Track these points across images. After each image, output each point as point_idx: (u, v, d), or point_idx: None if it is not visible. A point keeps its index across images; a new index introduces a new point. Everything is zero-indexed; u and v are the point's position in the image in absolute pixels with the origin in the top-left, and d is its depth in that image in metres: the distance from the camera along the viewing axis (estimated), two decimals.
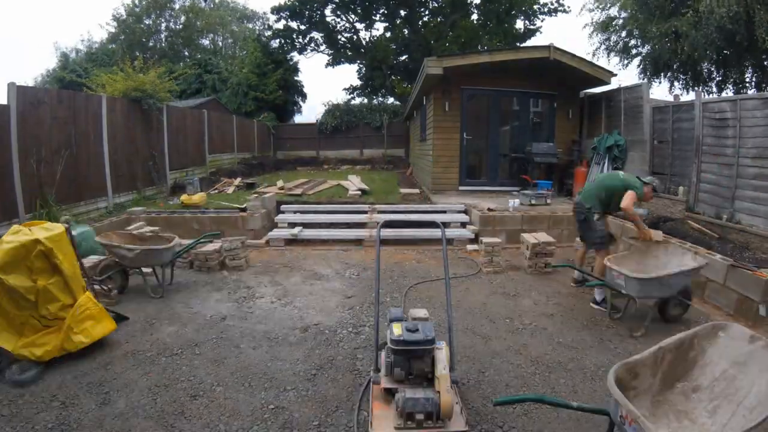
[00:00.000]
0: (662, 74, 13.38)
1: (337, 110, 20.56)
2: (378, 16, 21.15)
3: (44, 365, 3.09)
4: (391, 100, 21.96)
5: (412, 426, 2.14)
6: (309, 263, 5.91)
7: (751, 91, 11.64)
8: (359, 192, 9.48)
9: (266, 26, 25.78)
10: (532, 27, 21.21)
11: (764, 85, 11.63)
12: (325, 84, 43.64)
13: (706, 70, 12.71)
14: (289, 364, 3.24)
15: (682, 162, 6.90)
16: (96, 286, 4.28)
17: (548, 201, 7.95)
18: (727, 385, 2.06)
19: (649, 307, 3.87)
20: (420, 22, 20.78)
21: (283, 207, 8.07)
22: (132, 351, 3.41)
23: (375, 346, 2.73)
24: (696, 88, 12.52)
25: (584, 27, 26.58)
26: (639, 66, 13.64)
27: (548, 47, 8.38)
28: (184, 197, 8.59)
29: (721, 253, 4.76)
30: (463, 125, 9.51)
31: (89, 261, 4.58)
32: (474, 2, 20.70)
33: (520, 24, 21.18)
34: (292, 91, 24.31)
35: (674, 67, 12.82)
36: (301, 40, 21.88)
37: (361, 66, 22.14)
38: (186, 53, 31.79)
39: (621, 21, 13.16)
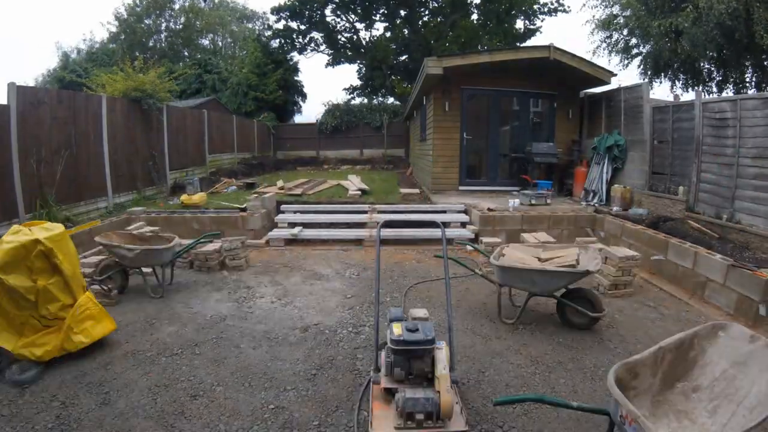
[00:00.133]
0: (663, 74, 13.36)
1: (337, 110, 20.56)
2: (378, 16, 21.15)
3: (44, 365, 3.09)
4: (391, 100, 21.96)
5: (412, 426, 2.14)
6: (309, 263, 5.91)
7: (751, 91, 11.63)
8: (359, 192, 9.48)
9: (266, 26, 25.79)
10: (532, 27, 21.21)
11: (764, 85, 11.61)
12: (325, 84, 43.61)
13: (706, 70, 12.69)
14: (289, 364, 3.24)
15: (682, 162, 6.89)
16: (96, 286, 4.29)
17: (548, 201, 7.95)
18: (727, 384, 2.06)
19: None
20: (420, 22, 20.78)
21: (283, 207, 8.07)
22: (132, 351, 3.42)
23: (375, 346, 2.73)
24: (696, 88, 12.51)
25: (585, 23, 26.56)
26: (639, 66, 13.64)
27: (548, 47, 8.38)
28: (184, 197, 8.59)
29: (721, 253, 4.76)
30: (463, 125, 9.51)
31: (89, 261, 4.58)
32: (474, 2, 20.70)
33: (520, 24, 21.20)
34: (292, 91, 24.31)
35: (675, 66, 12.81)
36: (301, 40, 21.89)
37: (361, 66, 22.14)
38: (186, 53, 31.80)
39: (622, 19, 13.15)
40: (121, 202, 8.28)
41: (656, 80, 13.61)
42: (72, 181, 7.01)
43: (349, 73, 51.18)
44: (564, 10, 20.67)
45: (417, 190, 10.01)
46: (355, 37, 21.98)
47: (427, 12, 21.33)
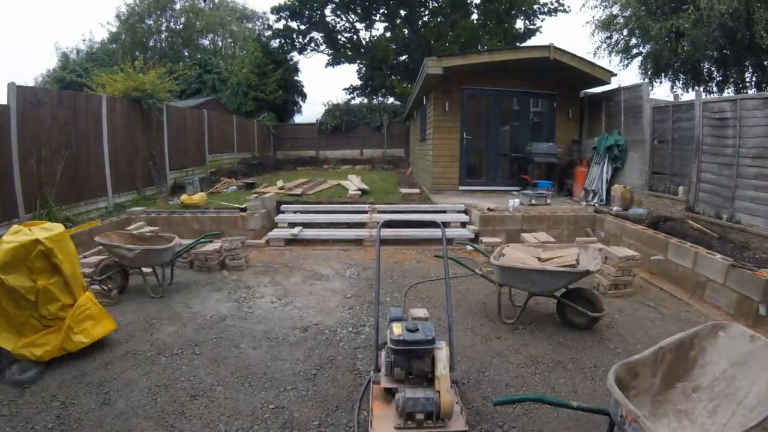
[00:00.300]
0: (663, 74, 13.36)
1: (337, 110, 20.56)
2: (378, 16, 21.15)
3: (44, 365, 3.09)
4: (391, 100, 21.97)
5: (412, 426, 2.14)
6: (309, 263, 5.91)
7: (752, 91, 11.63)
8: (359, 192, 9.48)
9: (266, 26, 25.83)
10: (532, 27, 21.22)
11: (764, 85, 11.62)
12: (325, 84, 43.72)
13: (706, 70, 12.69)
14: (289, 364, 3.24)
15: (682, 162, 6.89)
16: (95, 286, 4.29)
17: (548, 201, 7.95)
18: (727, 384, 2.06)
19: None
20: (420, 22, 20.78)
21: (283, 207, 8.07)
22: (132, 351, 3.42)
23: (375, 346, 2.73)
24: (696, 88, 12.51)
25: (585, 24, 26.57)
26: (640, 66, 13.64)
27: (548, 47, 8.38)
28: (184, 197, 8.60)
29: (721, 253, 4.76)
30: (463, 125, 9.51)
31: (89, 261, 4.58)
32: (474, 2, 20.71)
33: (520, 24, 21.22)
34: (292, 91, 24.31)
35: (675, 66, 12.81)
36: (301, 40, 21.90)
37: (361, 66, 22.14)
38: (186, 53, 31.79)
39: (622, 19, 13.15)
40: (121, 202, 8.28)
41: (656, 80, 13.62)
42: (72, 181, 7.01)
43: (349, 73, 51.28)
44: (564, 10, 20.69)
45: (417, 190, 10.01)
46: (355, 37, 22.00)
47: (427, 12, 21.34)
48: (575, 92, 10.00)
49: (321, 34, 21.77)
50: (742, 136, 5.72)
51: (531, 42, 20.80)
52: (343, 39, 21.98)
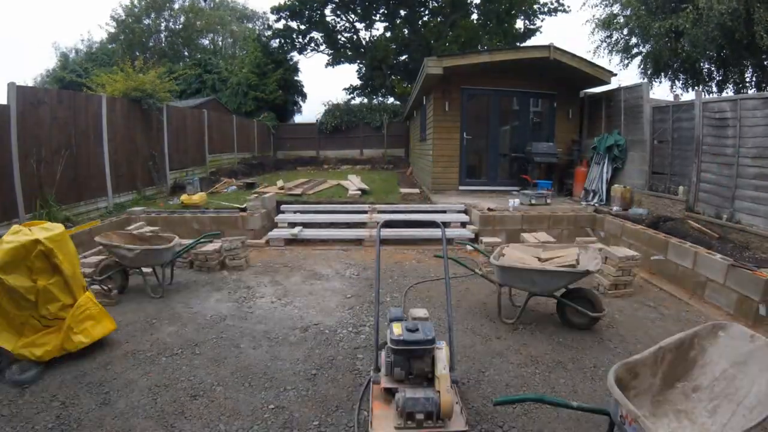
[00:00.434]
0: (663, 74, 13.36)
1: (337, 110, 20.55)
2: (378, 16, 21.16)
3: (44, 365, 3.09)
4: (391, 100, 21.97)
5: (412, 426, 2.14)
6: (309, 263, 5.91)
7: (751, 91, 11.63)
8: (359, 192, 9.48)
9: (266, 26, 25.83)
10: (532, 27, 21.24)
11: (764, 85, 11.61)
12: (325, 84, 43.58)
13: (706, 70, 12.69)
14: (289, 364, 3.24)
15: (682, 162, 6.89)
16: (96, 286, 4.29)
17: (548, 201, 7.95)
18: (727, 384, 2.07)
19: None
20: (420, 22, 20.79)
21: (283, 207, 8.07)
22: (132, 351, 3.42)
23: (375, 346, 2.73)
24: (696, 88, 12.51)
25: (585, 23, 26.52)
26: (639, 65, 13.64)
27: (548, 47, 8.37)
28: (184, 197, 8.60)
29: (721, 253, 4.76)
30: (463, 125, 9.51)
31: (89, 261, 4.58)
32: (474, 2, 20.72)
33: (520, 24, 21.24)
34: (292, 91, 24.30)
35: (675, 66, 12.81)
36: (301, 40, 21.91)
37: (361, 66, 22.15)
38: (186, 53, 31.79)
39: (622, 19, 13.15)
40: (121, 202, 8.28)
41: (656, 80, 13.62)
42: (72, 181, 7.01)
43: (349, 73, 51.22)
44: (564, 10, 20.71)
45: (417, 190, 10.01)
46: (355, 37, 22.01)
47: (427, 12, 21.34)
48: (575, 92, 10.00)
49: (321, 34, 21.78)
50: (742, 136, 5.72)
51: (531, 42, 20.85)
52: (343, 39, 21.99)
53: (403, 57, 21.25)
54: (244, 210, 7.47)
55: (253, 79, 21.82)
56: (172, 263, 4.88)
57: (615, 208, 7.42)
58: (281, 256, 6.33)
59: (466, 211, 7.78)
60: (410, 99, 13.75)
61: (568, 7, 23.34)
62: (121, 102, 8.68)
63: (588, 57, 9.55)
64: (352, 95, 22.57)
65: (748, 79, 12.14)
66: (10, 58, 50.52)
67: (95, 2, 49.82)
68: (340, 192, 9.78)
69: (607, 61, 28.04)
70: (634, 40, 13.40)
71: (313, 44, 22.21)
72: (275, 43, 22.44)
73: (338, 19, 21.54)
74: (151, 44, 30.06)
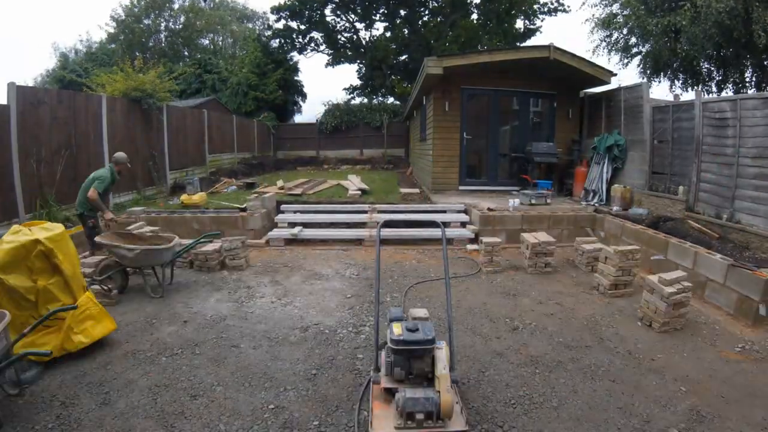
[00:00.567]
0: (662, 74, 13.35)
1: (337, 110, 20.54)
2: (378, 15, 21.16)
3: (44, 365, 3.09)
4: (391, 99, 21.96)
5: (412, 425, 2.14)
6: (309, 263, 5.91)
7: (751, 91, 11.62)
8: (359, 192, 9.48)
9: (266, 26, 25.81)
10: (532, 27, 21.24)
11: (764, 85, 11.60)
12: (325, 84, 43.61)
13: (705, 70, 12.68)
14: (289, 364, 3.24)
15: (682, 162, 6.89)
16: (96, 286, 4.29)
17: (548, 201, 7.95)
18: None
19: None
20: (420, 22, 20.79)
21: (283, 207, 8.07)
22: (132, 351, 3.42)
23: (375, 346, 2.73)
24: (696, 88, 12.50)
25: (585, 22, 26.55)
26: (639, 65, 13.63)
27: (548, 47, 8.37)
28: (184, 197, 8.60)
29: (721, 253, 4.76)
30: (463, 125, 9.50)
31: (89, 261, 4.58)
32: (474, 2, 20.71)
33: (520, 24, 21.23)
34: (292, 91, 24.30)
35: (674, 66, 12.80)
36: (301, 39, 21.90)
37: (361, 66, 22.14)
38: (186, 53, 31.79)
39: (621, 18, 13.14)
40: (121, 202, 8.28)
41: (656, 80, 13.61)
42: (72, 181, 7.00)
43: (349, 73, 51.26)
44: (564, 10, 20.71)
45: (417, 190, 10.01)
46: (355, 37, 22.00)
47: (427, 12, 21.34)
48: (575, 92, 10.00)
49: (321, 34, 21.78)
50: (742, 136, 5.72)
51: (531, 42, 20.85)
52: (343, 39, 21.99)
53: (403, 57, 21.25)
54: (244, 210, 7.47)
55: (253, 79, 21.82)
56: (172, 263, 4.88)
57: (615, 208, 7.42)
58: (281, 256, 6.33)
59: (466, 211, 7.78)
60: (410, 99, 13.74)
61: (568, 6, 23.39)
62: (121, 102, 8.68)
63: (587, 56, 9.58)
64: (352, 95, 22.58)
65: (747, 79, 12.14)
66: (10, 58, 50.50)
67: (95, 2, 49.79)
68: (340, 192, 9.78)
69: (606, 60, 28.08)
70: (633, 40, 13.39)
71: (313, 44, 22.22)
72: (275, 43, 22.43)
73: (338, 19, 21.56)
74: (151, 44, 30.06)
